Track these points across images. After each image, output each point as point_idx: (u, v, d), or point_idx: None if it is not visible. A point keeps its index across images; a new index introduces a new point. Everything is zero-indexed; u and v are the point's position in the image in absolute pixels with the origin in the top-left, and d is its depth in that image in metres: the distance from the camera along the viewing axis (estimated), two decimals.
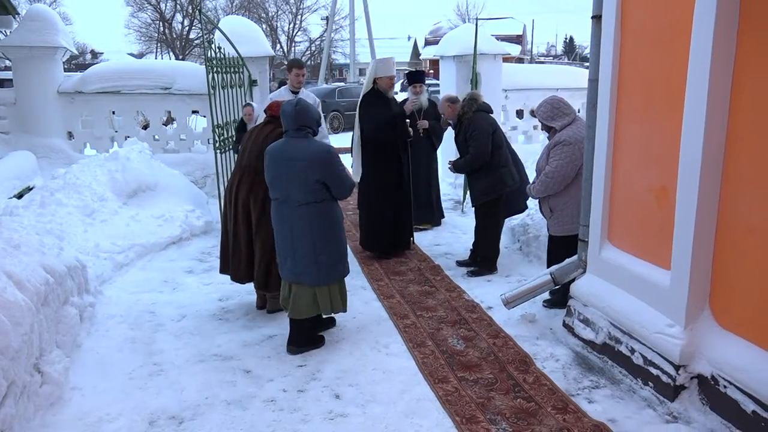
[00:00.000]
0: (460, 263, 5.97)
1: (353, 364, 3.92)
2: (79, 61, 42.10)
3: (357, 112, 6.09)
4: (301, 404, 3.47)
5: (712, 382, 3.16)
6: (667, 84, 3.39)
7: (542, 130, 5.10)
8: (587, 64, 4.54)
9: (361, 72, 39.34)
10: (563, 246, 4.71)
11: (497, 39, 11.01)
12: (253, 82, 8.85)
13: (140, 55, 43.04)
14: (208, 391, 3.59)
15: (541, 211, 4.99)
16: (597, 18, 4.10)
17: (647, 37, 3.62)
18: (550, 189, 4.68)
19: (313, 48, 48.17)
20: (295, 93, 5.87)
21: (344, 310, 4.29)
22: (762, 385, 2.86)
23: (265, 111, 4.85)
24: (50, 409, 3.34)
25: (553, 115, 4.71)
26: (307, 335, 4.19)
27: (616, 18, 3.84)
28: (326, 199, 3.99)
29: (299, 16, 48.80)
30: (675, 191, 3.31)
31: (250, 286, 4.83)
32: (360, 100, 6.12)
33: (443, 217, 7.62)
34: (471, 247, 6.01)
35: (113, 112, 10.15)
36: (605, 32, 3.97)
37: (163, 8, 45.43)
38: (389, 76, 6.03)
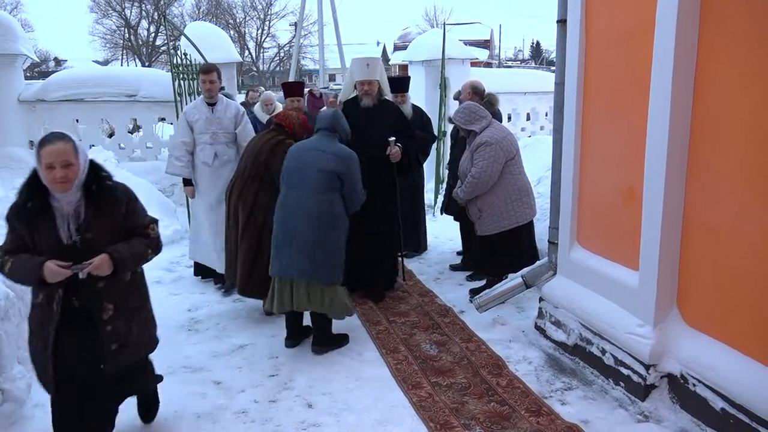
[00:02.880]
0: (454, 267, 5.95)
1: (326, 373, 3.88)
2: (42, 69, 41.26)
3: None
4: (273, 415, 3.41)
5: (682, 381, 3.19)
6: (632, 86, 3.43)
7: (462, 135, 5.21)
8: (554, 68, 4.59)
9: (331, 78, 39.26)
10: (496, 245, 4.80)
11: (465, 44, 11.10)
12: (220, 89, 8.74)
13: (105, 63, 42.31)
14: (177, 404, 3.50)
15: (468, 214, 4.99)
16: (562, 22, 4.15)
17: (611, 41, 3.67)
18: (477, 190, 4.74)
19: (282, 54, 47.98)
20: (212, 104, 5.19)
21: (341, 317, 4.21)
22: (730, 383, 2.90)
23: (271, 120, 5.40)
24: (11, 428, 3.23)
25: (471, 119, 4.83)
26: (331, 333, 4.26)
27: (581, 22, 3.88)
28: (337, 197, 4.07)
29: (267, 22, 48.62)
30: (641, 192, 3.35)
31: (219, 297, 4.75)
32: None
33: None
34: (460, 250, 6.04)
35: (77, 121, 9.92)
36: (570, 36, 4.01)
37: (128, 15, 44.82)
38: (361, 80, 5.06)
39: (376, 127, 4.91)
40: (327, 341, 4.20)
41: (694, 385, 3.12)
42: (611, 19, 3.67)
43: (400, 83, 6.15)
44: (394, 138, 4.83)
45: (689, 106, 3.08)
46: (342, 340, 4.28)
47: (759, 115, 2.73)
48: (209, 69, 5.23)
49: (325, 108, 5.74)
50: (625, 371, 3.49)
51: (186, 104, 7.24)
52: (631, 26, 3.45)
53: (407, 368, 3.90)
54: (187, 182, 5.35)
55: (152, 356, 3.69)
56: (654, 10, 3.13)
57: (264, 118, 7.04)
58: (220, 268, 5.17)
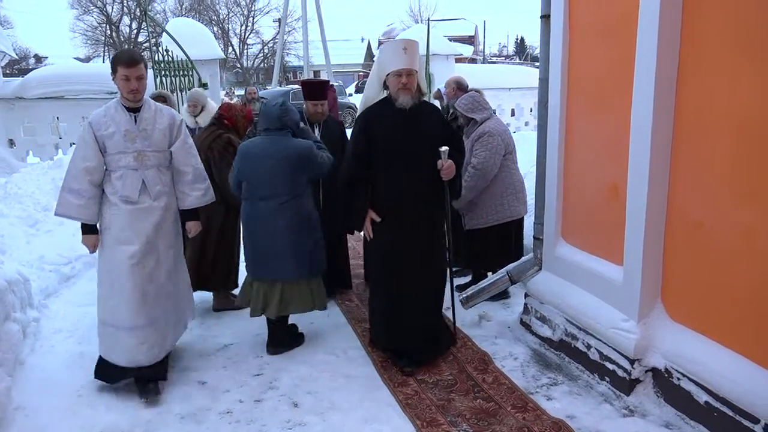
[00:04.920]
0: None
1: (311, 371, 3.85)
2: (21, 66, 40.68)
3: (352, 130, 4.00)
4: (258, 415, 3.38)
5: (666, 375, 3.21)
6: (616, 82, 3.44)
7: (462, 124, 4.99)
8: (538, 63, 4.59)
9: (316, 74, 39.04)
10: (485, 239, 4.78)
11: (450, 40, 11.12)
12: (203, 85, 8.69)
13: (87, 59, 41.84)
14: (161, 406, 3.47)
15: (458, 208, 4.82)
16: (545, 17, 4.14)
17: (595, 36, 3.67)
18: (481, 182, 4.66)
19: (266, 50, 47.70)
20: (134, 111, 3.52)
21: (324, 308, 4.25)
22: (713, 376, 2.92)
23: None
24: None
25: (473, 107, 4.79)
26: (288, 333, 4.22)
27: (564, 17, 3.88)
28: (306, 197, 4.06)
29: (251, 18, 48.28)
30: (625, 188, 3.35)
31: (203, 296, 4.71)
32: (361, 113, 4.02)
33: None
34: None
35: (57, 118, 9.81)
36: (554, 31, 4.01)
37: (110, 11, 44.31)
38: (396, 71, 3.64)
39: (418, 136, 3.65)
40: (283, 341, 4.16)
41: (678, 379, 3.14)
42: (594, 14, 3.67)
43: None
44: (447, 148, 3.60)
45: (672, 101, 3.09)
46: (297, 340, 4.25)
47: (741, 111, 2.74)
48: (134, 60, 3.47)
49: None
50: (610, 366, 3.50)
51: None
52: (614, 21, 3.45)
53: (392, 366, 3.89)
54: (89, 229, 3.55)
55: None
56: (636, 5, 3.14)
57: (192, 122, 6.20)
58: (148, 359, 3.56)
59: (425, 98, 3.97)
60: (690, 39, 2.99)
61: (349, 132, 4.46)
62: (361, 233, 3.90)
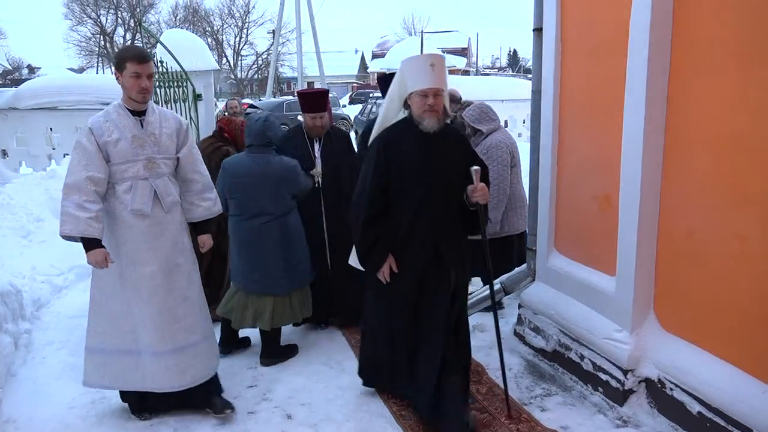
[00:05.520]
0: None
1: (305, 383, 3.84)
2: (14, 77, 40.63)
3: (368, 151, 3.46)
4: (252, 426, 3.37)
5: (659, 385, 3.22)
6: (607, 94, 3.47)
7: (469, 134, 4.90)
8: (530, 75, 4.63)
9: (310, 86, 39.12)
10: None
11: (443, 52, 11.17)
12: (197, 97, 8.69)
13: (80, 70, 41.85)
14: (154, 418, 3.44)
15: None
16: (538, 31, 4.19)
17: (586, 49, 3.71)
18: (502, 194, 4.58)
19: (260, 61, 47.84)
20: (139, 114, 3.20)
21: (310, 314, 4.29)
22: (706, 386, 2.93)
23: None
24: None
25: (481, 118, 4.76)
26: (280, 345, 4.21)
27: (556, 31, 3.92)
28: (293, 209, 4.12)
29: (245, 30, 48.50)
30: (618, 199, 3.38)
31: None
32: (377, 135, 3.39)
33: None
34: None
35: (50, 129, 9.79)
36: (546, 45, 4.05)
37: (104, 22, 44.38)
38: (422, 91, 3.12)
39: (443, 163, 3.21)
40: (276, 352, 4.14)
41: (671, 389, 3.15)
42: (586, 28, 3.71)
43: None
44: (478, 168, 3.18)
45: (663, 113, 3.13)
46: (291, 351, 4.24)
47: (730, 122, 2.78)
48: (145, 56, 3.19)
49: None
50: (603, 377, 3.51)
51: None
52: (606, 35, 3.49)
53: None
54: (94, 243, 3.07)
55: None
56: (628, 20, 3.18)
57: None
58: (170, 386, 3.30)
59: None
60: (680, 54, 3.02)
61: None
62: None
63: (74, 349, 4.37)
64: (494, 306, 3.57)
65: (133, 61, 3.10)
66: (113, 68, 3.24)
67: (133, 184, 3.15)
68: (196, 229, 3.53)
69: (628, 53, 3.20)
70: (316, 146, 4.47)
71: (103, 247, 3.10)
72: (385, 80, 4.49)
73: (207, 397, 3.43)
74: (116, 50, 43.99)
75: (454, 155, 3.26)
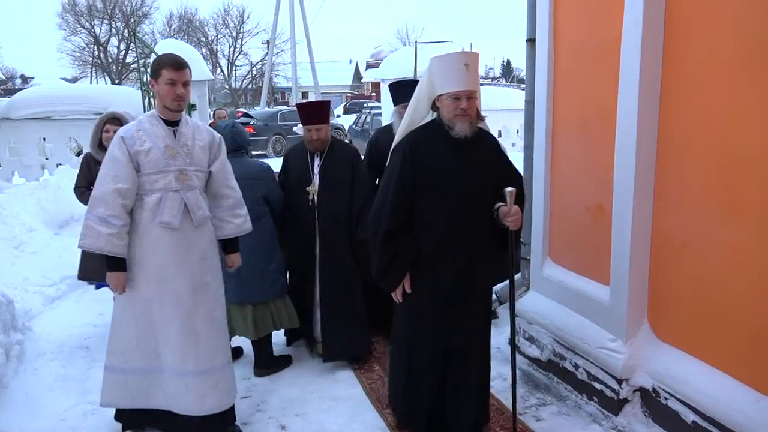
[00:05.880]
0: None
1: (299, 393, 3.82)
2: (8, 86, 40.54)
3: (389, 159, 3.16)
4: None
5: (654, 395, 3.22)
6: (600, 104, 3.49)
7: None
8: (524, 86, 4.66)
9: (304, 96, 39.15)
10: None
11: None
12: (191, 107, 8.71)
13: (74, 80, 41.77)
14: (148, 428, 3.42)
15: None
16: (531, 41, 4.22)
17: (579, 60, 3.74)
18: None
19: (255, 72, 47.92)
20: (172, 125, 3.12)
21: (297, 325, 4.24)
22: (700, 395, 2.93)
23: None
24: None
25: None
26: (273, 355, 4.18)
27: (549, 41, 3.95)
28: (267, 213, 4.09)
29: (240, 40, 48.60)
30: (611, 209, 3.39)
31: None
32: (403, 140, 3.06)
33: None
34: None
35: (44, 139, 9.77)
36: (539, 55, 4.08)
37: (98, 32, 44.40)
38: (455, 93, 2.86)
39: (475, 172, 2.95)
40: (270, 363, 4.13)
41: (665, 398, 3.15)
42: (579, 39, 3.74)
43: (405, 88, 4.19)
44: (514, 189, 2.87)
45: (655, 124, 3.15)
46: (285, 362, 4.22)
47: (723, 133, 2.79)
48: (181, 63, 3.06)
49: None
50: (598, 386, 3.51)
51: None
52: (598, 46, 3.52)
53: (382, 388, 3.86)
54: (117, 264, 3.01)
55: None
56: (620, 31, 3.21)
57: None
58: (188, 409, 3.14)
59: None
60: (672, 65, 3.05)
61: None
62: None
63: (66, 360, 4.35)
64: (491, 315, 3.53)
65: (168, 67, 3.01)
66: (149, 76, 3.21)
67: (163, 195, 3.03)
68: (224, 247, 3.42)
69: (621, 64, 3.23)
70: (317, 161, 4.20)
71: (125, 270, 3.03)
72: (396, 87, 4.41)
73: (220, 427, 3.28)
74: (110, 60, 44.11)
75: (488, 162, 3.00)
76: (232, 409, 3.36)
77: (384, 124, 10.50)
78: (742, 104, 2.69)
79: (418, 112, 3.08)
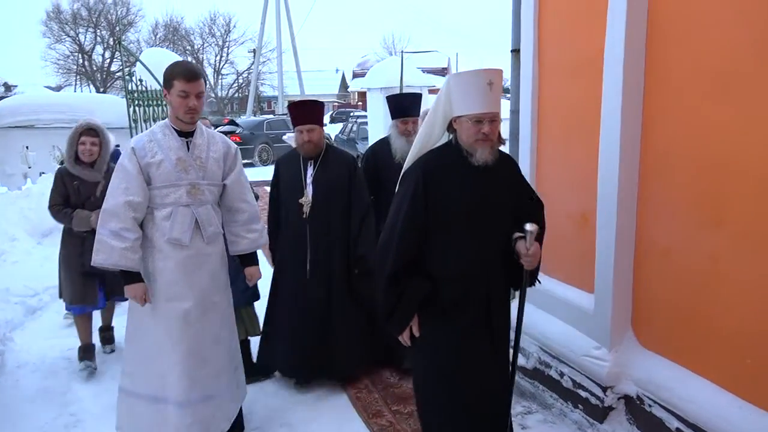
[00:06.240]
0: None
1: (284, 404, 3.80)
2: None
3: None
4: None
5: (638, 402, 3.24)
6: (584, 115, 3.53)
7: None
8: (509, 95, 4.70)
9: None
10: None
11: (423, 71, 11.32)
12: None
13: (58, 88, 41.43)
14: None
15: None
16: (516, 52, 4.26)
17: (563, 70, 3.78)
18: None
19: (241, 80, 47.86)
20: (186, 136, 2.99)
21: (259, 333, 4.15)
22: (684, 402, 2.95)
23: None
24: None
25: None
26: (254, 363, 4.11)
27: (534, 52, 3.99)
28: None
29: (226, 49, 48.51)
30: (595, 218, 3.42)
31: None
32: (412, 162, 2.69)
33: None
34: None
35: (27, 147, 9.67)
36: (524, 66, 4.12)
37: (82, 40, 44.15)
38: (477, 116, 2.49)
39: (495, 202, 2.62)
40: (250, 371, 3.97)
41: (650, 405, 3.17)
42: (563, 50, 3.78)
43: (410, 102, 4.16)
44: (535, 227, 2.55)
45: (638, 133, 3.19)
46: (267, 370, 4.12)
47: (704, 142, 2.84)
48: (194, 73, 2.91)
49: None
50: (583, 394, 3.52)
51: (141, 131, 7.11)
52: (582, 56, 3.56)
53: (367, 396, 3.86)
54: (133, 276, 2.91)
55: (104, 390, 3.54)
56: (603, 41, 3.25)
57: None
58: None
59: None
60: (654, 75, 3.09)
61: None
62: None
63: (48, 371, 4.29)
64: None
65: (181, 78, 2.85)
66: (161, 85, 3.04)
67: (173, 210, 2.92)
68: (242, 261, 3.33)
69: (604, 75, 3.27)
70: (309, 170, 3.87)
71: (142, 280, 2.92)
72: (396, 100, 4.21)
73: None
74: (95, 68, 43.84)
75: (509, 191, 2.69)
76: (240, 416, 3.35)
77: (370, 133, 10.54)
78: (722, 115, 2.73)
79: (432, 136, 2.70)
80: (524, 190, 2.82)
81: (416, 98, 4.22)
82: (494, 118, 2.52)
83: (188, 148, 2.97)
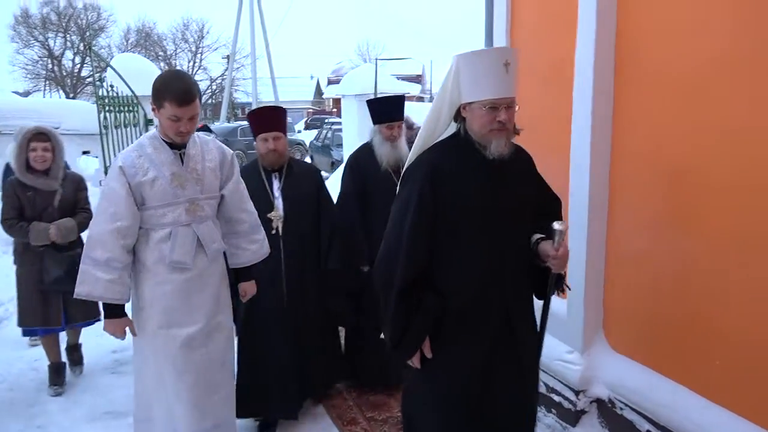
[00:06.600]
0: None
1: None
2: None
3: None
4: None
5: (610, 405, 3.28)
6: (555, 120, 3.57)
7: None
8: None
9: None
10: None
11: (398, 78, 11.36)
12: (148, 121, 8.57)
13: (26, 93, 40.64)
14: None
15: None
16: None
17: (534, 77, 3.82)
18: None
19: (215, 86, 47.48)
20: (178, 147, 2.72)
21: None
22: (654, 405, 3.00)
23: None
24: None
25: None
26: None
27: None
28: None
29: (199, 55, 48.12)
30: (566, 223, 3.46)
31: None
32: (415, 158, 2.38)
33: None
34: None
35: None
36: None
37: (52, 45, 43.40)
38: (492, 102, 2.21)
39: (515, 201, 2.31)
40: None
41: (621, 408, 3.21)
42: (534, 57, 3.82)
43: (393, 106, 3.94)
44: (563, 227, 2.25)
45: (608, 141, 3.24)
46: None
47: (672, 148, 2.90)
48: (189, 96, 2.58)
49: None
50: (556, 398, 3.56)
51: (113, 137, 7.01)
52: (553, 63, 3.61)
53: (342, 404, 3.84)
54: (116, 311, 2.69)
55: (73, 402, 3.48)
56: (573, 49, 3.30)
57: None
58: None
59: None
60: (623, 81, 3.15)
61: (333, 181, 3.93)
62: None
63: (14, 382, 4.20)
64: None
65: (173, 102, 2.54)
66: (152, 100, 2.65)
67: (173, 231, 2.65)
68: (237, 275, 3.05)
69: (574, 83, 3.32)
70: (275, 182, 3.54)
71: (124, 315, 2.68)
72: (379, 104, 3.95)
73: None
74: (64, 73, 43.10)
75: (525, 187, 2.38)
76: None
77: (345, 140, 10.53)
78: (688, 122, 2.79)
79: (438, 128, 2.36)
80: (542, 186, 2.51)
81: (400, 101, 3.95)
82: (511, 104, 2.24)
83: (182, 161, 2.70)
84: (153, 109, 2.64)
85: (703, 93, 2.71)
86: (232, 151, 2.95)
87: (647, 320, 3.11)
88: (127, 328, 2.72)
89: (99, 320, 3.94)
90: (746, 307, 2.58)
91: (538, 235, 2.33)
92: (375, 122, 3.92)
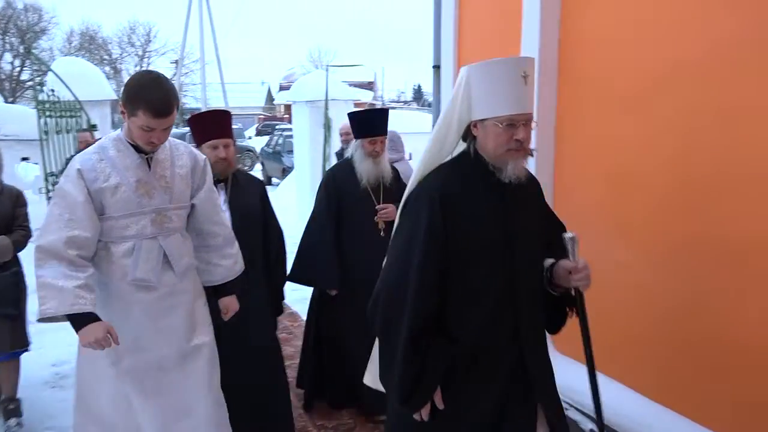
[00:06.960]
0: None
1: None
2: None
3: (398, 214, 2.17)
4: None
5: None
6: None
7: None
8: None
9: None
10: None
11: (349, 85, 11.40)
12: (92, 127, 8.34)
13: None
14: None
15: None
16: (437, 68, 4.37)
17: None
18: None
19: None
20: (145, 151, 2.45)
21: None
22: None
23: None
24: None
25: (389, 146, 4.60)
26: None
27: (454, 68, 4.11)
28: None
29: (146, 59, 47.05)
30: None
31: None
32: (417, 183, 2.11)
33: None
34: None
35: None
36: (444, 81, 4.23)
37: None
38: (509, 119, 1.93)
39: (529, 228, 2.10)
40: None
41: (566, 409, 3.28)
42: None
43: (375, 120, 3.71)
44: (575, 235, 2.11)
45: (552, 149, 3.34)
46: None
47: (612, 157, 3.00)
48: (167, 108, 2.29)
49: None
50: None
51: (54, 143, 6.78)
52: None
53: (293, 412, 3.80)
54: (86, 318, 2.21)
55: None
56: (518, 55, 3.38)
57: None
58: None
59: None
60: (566, 94, 3.26)
61: (284, 188, 3.71)
62: None
63: None
64: None
65: (148, 113, 2.23)
66: (122, 102, 2.33)
67: (136, 244, 2.35)
68: (215, 291, 2.76)
69: None
70: (222, 194, 3.15)
71: (98, 319, 2.22)
72: (364, 118, 3.73)
73: None
74: (3, 77, 41.44)
75: (536, 214, 2.16)
76: None
77: (295, 146, 10.47)
78: (625, 130, 2.90)
79: (444, 148, 2.10)
80: (549, 211, 2.31)
81: (384, 114, 3.75)
82: (528, 120, 1.98)
83: (149, 167, 2.40)
84: (122, 113, 2.34)
85: (638, 103, 2.82)
86: (204, 156, 2.68)
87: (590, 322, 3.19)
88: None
89: (27, 350, 3.71)
90: (673, 306, 2.69)
91: (550, 260, 2.13)
92: (357, 136, 3.70)
